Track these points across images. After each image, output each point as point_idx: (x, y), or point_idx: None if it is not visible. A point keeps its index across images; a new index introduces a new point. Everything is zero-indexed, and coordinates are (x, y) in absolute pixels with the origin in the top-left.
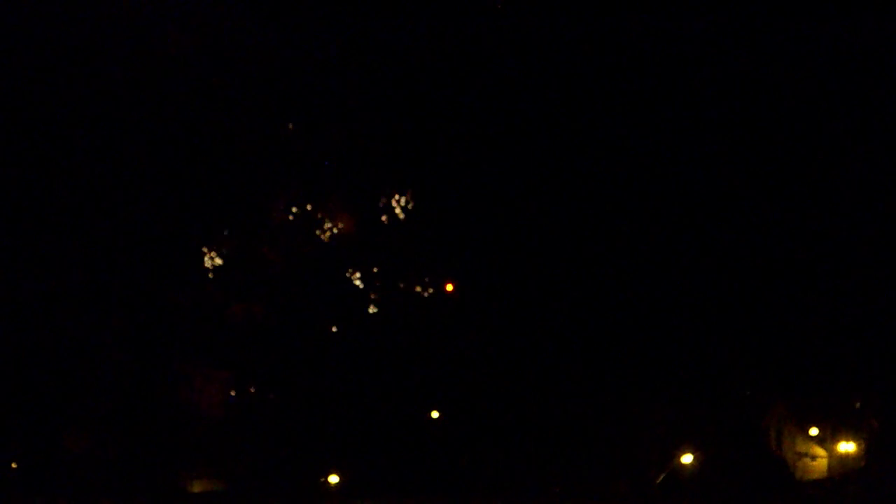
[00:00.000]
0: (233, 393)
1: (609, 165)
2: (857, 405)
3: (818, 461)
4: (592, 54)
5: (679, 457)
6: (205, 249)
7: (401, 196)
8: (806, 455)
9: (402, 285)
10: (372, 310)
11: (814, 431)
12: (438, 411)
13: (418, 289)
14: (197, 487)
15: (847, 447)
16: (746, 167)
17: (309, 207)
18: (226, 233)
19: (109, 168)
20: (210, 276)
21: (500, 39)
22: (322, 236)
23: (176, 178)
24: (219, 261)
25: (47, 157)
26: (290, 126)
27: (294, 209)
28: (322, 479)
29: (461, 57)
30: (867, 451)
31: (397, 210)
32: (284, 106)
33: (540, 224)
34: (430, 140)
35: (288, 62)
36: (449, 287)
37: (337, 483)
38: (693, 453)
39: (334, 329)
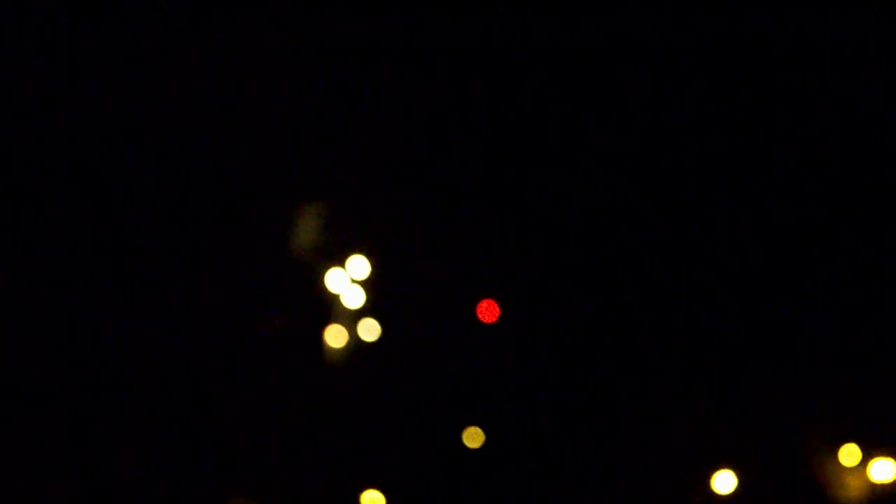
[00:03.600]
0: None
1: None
2: None
3: (858, 480)
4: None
5: (714, 477)
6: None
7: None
8: (844, 474)
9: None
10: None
11: (852, 450)
12: (482, 434)
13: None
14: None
15: (887, 467)
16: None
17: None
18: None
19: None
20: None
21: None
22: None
23: None
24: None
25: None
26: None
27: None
28: (359, 497)
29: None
30: None
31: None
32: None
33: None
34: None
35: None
36: (489, 311)
37: (376, 500)
38: (731, 473)
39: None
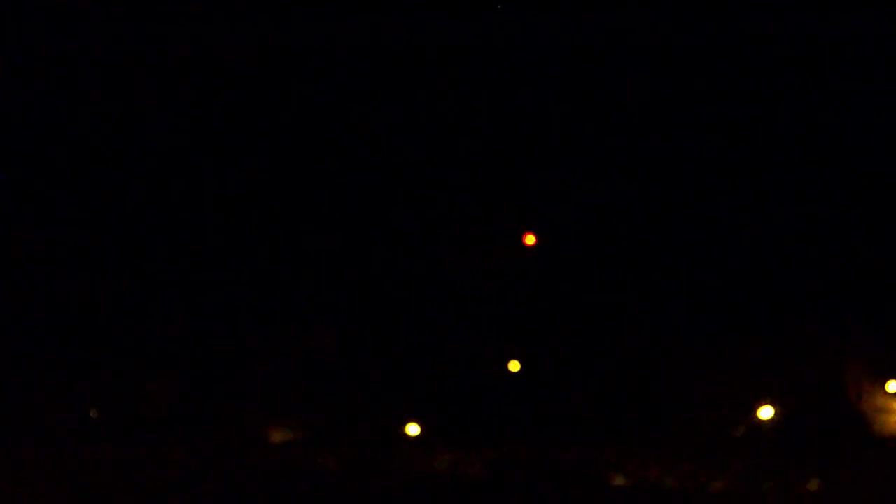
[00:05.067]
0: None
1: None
2: None
3: None
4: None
5: (757, 410)
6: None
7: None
8: (885, 411)
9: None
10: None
11: (893, 386)
12: (519, 362)
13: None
14: (275, 436)
15: None
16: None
17: None
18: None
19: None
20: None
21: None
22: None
23: None
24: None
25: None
26: None
27: None
28: (401, 429)
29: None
30: None
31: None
32: None
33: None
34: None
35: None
36: (530, 239)
37: (417, 434)
38: (772, 407)
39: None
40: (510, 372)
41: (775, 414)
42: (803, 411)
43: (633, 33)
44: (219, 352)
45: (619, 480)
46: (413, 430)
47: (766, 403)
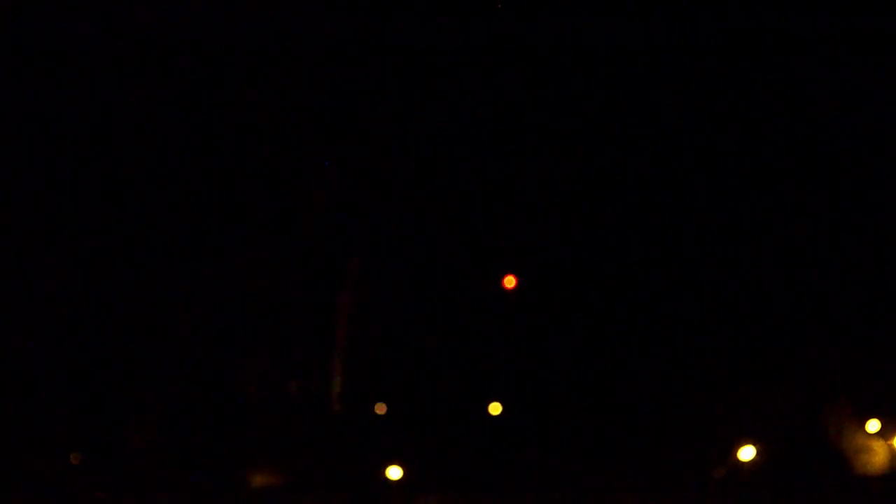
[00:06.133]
0: (294, 385)
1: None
2: None
3: (877, 456)
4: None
5: (738, 450)
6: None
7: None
8: (865, 450)
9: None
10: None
11: (873, 426)
12: (500, 404)
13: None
14: (257, 480)
15: None
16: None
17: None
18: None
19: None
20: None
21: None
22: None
23: None
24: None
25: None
26: None
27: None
28: (382, 473)
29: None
30: None
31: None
32: None
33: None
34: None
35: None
36: (509, 281)
37: (398, 477)
38: (753, 447)
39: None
40: (491, 415)
41: (756, 454)
42: (784, 451)
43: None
44: (202, 395)
45: None
46: (395, 473)
47: (746, 443)
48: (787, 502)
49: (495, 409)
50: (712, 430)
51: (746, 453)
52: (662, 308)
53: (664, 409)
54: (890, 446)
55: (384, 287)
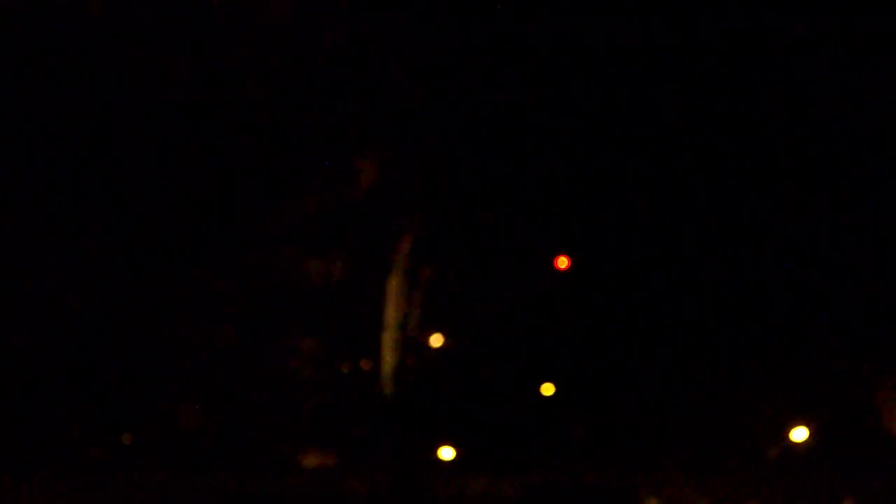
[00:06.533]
0: (345, 368)
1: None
2: None
3: None
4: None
5: (791, 432)
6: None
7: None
8: None
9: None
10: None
11: None
12: (553, 385)
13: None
14: (308, 461)
15: None
16: None
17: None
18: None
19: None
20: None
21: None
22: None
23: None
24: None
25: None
26: None
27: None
28: (434, 453)
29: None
30: None
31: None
32: None
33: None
34: None
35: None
36: (562, 262)
37: (451, 458)
38: (805, 428)
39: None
40: (543, 395)
41: (809, 435)
42: (837, 432)
43: (655, 43)
44: (250, 376)
45: (653, 503)
46: (447, 453)
47: (799, 425)
48: (839, 484)
49: (548, 389)
50: (764, 411)
51: (799, 434)
52: (719, 289)
53: (716, 391)
54: None
55: (435, 267)
